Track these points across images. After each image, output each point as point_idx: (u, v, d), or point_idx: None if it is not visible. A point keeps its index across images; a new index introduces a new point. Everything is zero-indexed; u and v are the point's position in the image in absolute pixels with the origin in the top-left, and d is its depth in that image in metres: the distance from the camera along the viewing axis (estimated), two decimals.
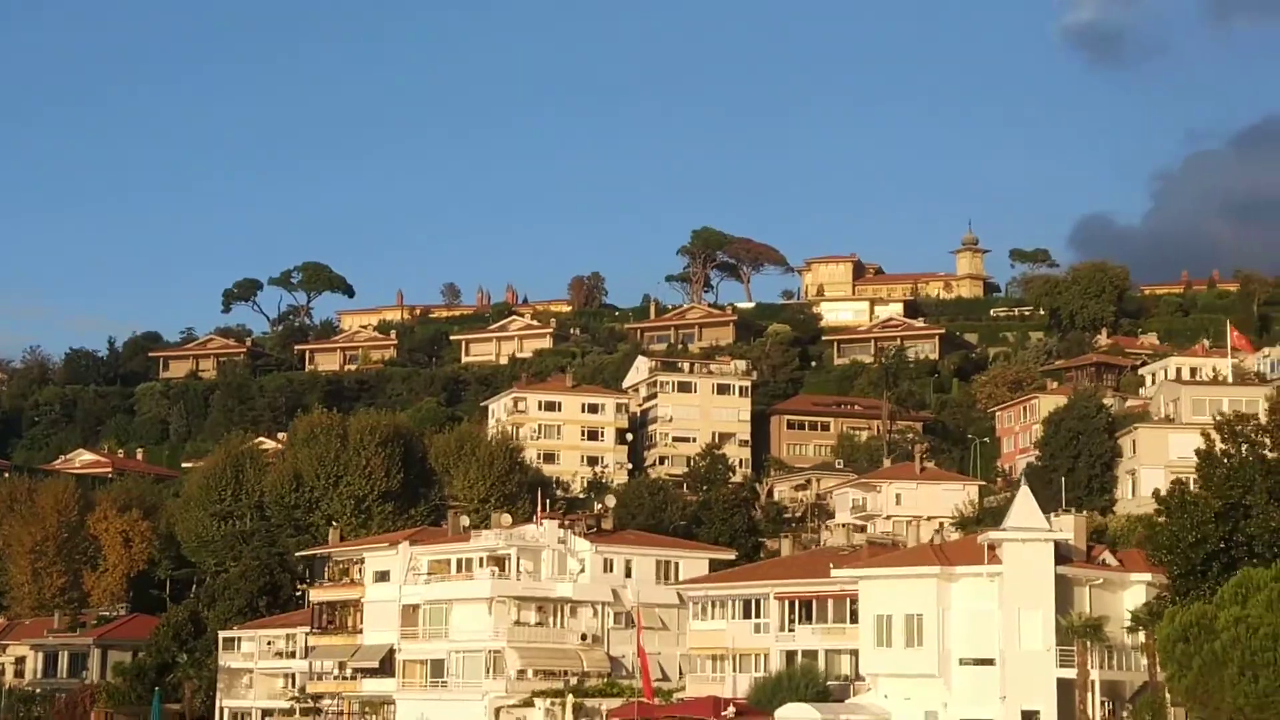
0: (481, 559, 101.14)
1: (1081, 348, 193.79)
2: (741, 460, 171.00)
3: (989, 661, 79.27)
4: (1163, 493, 79.78)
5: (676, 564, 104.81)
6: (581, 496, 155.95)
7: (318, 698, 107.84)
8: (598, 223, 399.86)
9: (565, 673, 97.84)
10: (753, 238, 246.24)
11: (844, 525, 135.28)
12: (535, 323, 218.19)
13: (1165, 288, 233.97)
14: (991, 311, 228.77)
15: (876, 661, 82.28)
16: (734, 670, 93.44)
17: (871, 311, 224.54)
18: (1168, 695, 71.63)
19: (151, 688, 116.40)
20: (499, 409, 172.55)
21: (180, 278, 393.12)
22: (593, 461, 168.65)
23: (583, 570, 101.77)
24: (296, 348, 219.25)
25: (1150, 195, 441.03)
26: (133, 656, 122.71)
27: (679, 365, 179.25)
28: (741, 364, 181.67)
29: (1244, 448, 79.91)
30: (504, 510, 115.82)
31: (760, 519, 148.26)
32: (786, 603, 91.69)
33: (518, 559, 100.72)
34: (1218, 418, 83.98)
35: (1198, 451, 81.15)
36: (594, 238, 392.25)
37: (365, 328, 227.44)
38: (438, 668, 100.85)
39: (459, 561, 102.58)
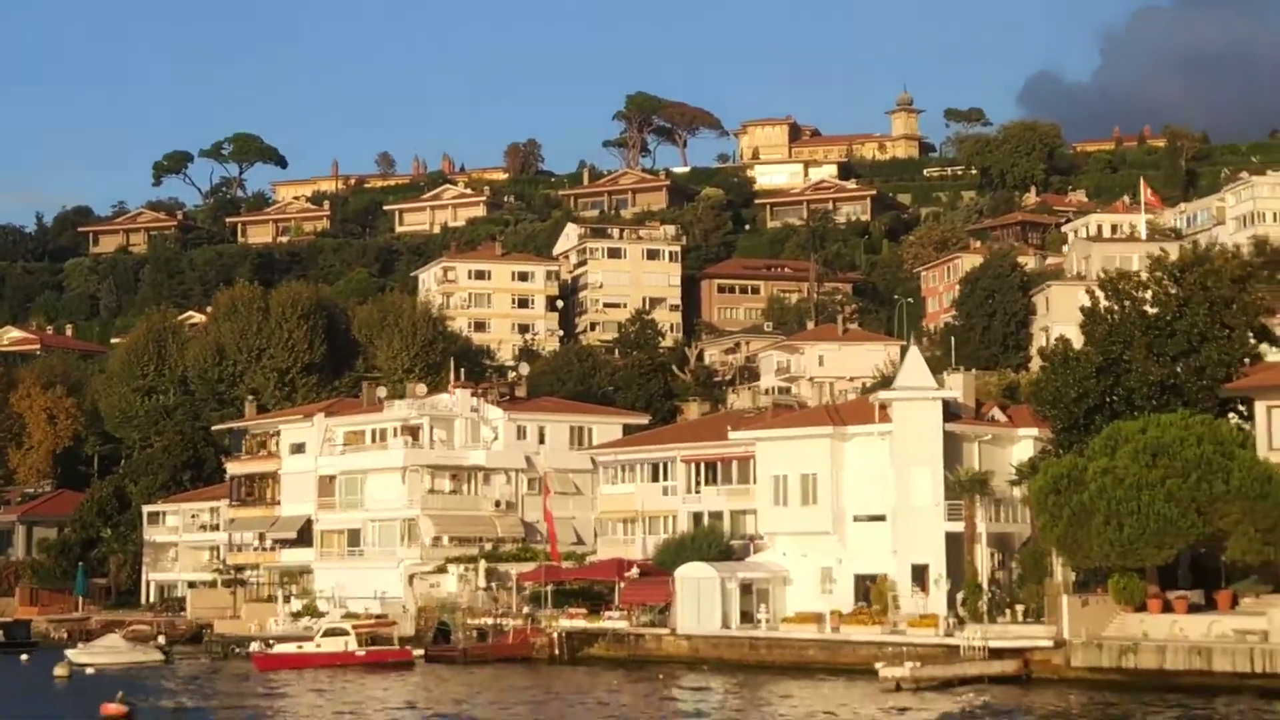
0: (395, 429, 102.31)
1: (1010, 207, 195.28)
2: (672, 325, 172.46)
3: (881, 518, 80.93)
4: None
5: (590, 430, 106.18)
6: (511, 364, 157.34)
7: (240, 569, 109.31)
8: (534, 89, 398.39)
9: (480, 539, 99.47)
10: (688, 102, 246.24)
11: (768, 390, 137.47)
12: (469, 191, 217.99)
13: (1097, 145, 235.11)
14: (925, 172, 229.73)
15: (774, 520, 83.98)
16: (644, 533, 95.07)
17: (806, 174, 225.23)
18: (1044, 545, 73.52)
19: (76, 563, 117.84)
20: (429, 279, 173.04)
21: (112, 153, 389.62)
22: (524, 329, 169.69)
23: (496, 438, 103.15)
24: (228, 220, 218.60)
25: (1099, 52, 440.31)
26: (58, 533, 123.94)
27: (608, 231, 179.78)
28: (671, 229, 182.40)
29: (1125, 304, 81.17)
30: (426, 380, 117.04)
31: (689, 382, 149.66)
32: (693, 465, 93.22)
33: (431, 428, 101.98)
34: (1107, 274, 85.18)
35: (1082, 309, 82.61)
36: (531, 105, 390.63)
37: (298, 199, 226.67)
38: (354, 537, 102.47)
39: (373, 432, 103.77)
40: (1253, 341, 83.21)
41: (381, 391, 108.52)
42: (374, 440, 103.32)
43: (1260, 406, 74.75)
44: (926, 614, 76.58)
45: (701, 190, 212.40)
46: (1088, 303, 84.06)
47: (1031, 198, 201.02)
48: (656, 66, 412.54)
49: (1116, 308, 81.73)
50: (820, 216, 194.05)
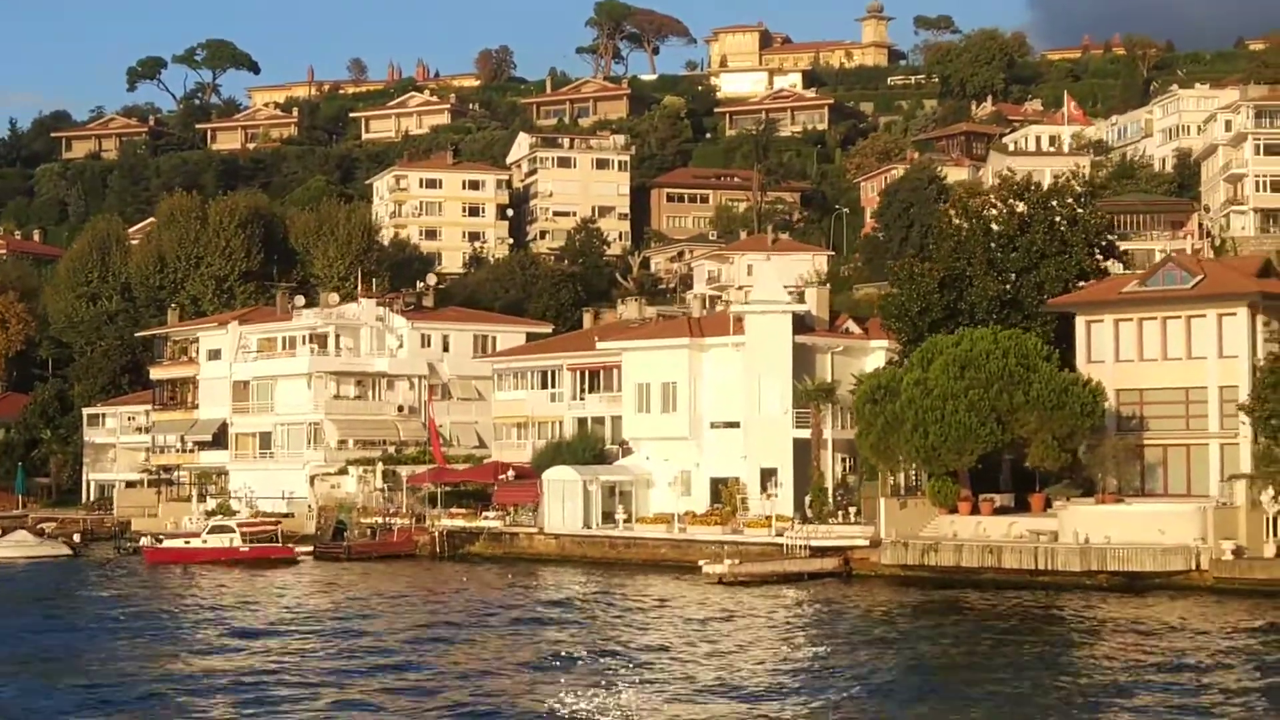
0: (304, 337, 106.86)
1: (961, 116, 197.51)
2: (621, 233, 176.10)
3: (735, 424, 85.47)
4: None
5: (494, 338, 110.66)
6: (461, 272, 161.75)
7: (166, 470, 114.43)
8: None
9: (383, 442, 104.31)
10: (657, 9, 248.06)
11: (699, 297, 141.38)
12: (434, 99, 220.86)
13: (1061, 53, 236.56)
14: (889, 80, 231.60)
15: (638, 426, 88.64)
16: (534, 437, 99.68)
17: (770, 82, 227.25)
18: None
19: (17, 463, 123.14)
20: (381, 187, 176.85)
21: (90, 58, 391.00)
22: (474, 237, 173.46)
23: (401, 346, 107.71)
24: (198, 127, 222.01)
25: None
26: (4, 433, 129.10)
27: (559, 141, 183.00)
28: (621, 138, 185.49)
29: (973, 220, 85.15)
30: (364, 286, 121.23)
31: (632, 289, 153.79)
32: (577, 374, 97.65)
33: (337, 336, 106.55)
34: (962, 191, 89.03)
35: (932, 226, 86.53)
36: (506, 10, 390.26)
37: (268, 105, 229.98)
38: (265, 440, 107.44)
39: (284, 340, 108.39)
40: (1099, 258, 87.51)
41: (300, 300, 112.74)
42: (285, 348, 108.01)
43: (1080, 321, 79.01)
44: (776, 515, 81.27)
45: (663, 99, 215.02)
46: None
47: (987, 107, 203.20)
48: None
49: (965, 225, 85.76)
50: (765, 126, 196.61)
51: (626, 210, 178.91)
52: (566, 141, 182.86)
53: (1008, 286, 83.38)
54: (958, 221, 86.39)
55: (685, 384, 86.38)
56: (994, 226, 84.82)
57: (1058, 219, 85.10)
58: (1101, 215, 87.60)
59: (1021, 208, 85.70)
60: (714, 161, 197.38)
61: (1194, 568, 66.98)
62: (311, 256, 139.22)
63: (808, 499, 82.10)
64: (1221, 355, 74.53)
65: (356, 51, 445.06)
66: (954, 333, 78.67)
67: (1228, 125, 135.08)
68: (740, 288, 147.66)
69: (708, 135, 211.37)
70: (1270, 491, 68.47)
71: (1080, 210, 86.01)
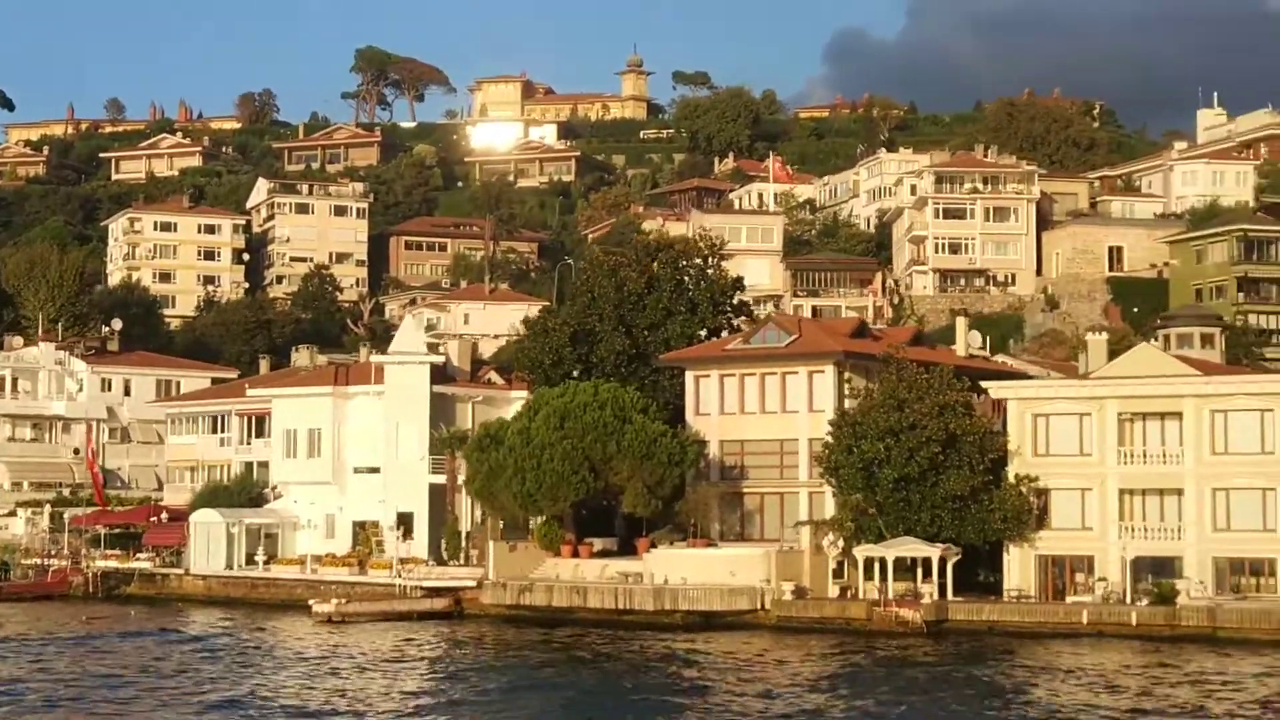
0: None
1: (698, 171, 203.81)
2: (359, 279, 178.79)
3: (376, 470, 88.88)
4: None
5: (178, 382, 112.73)
6: (193, 315, 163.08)
7: None
8: (272, 38, 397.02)
9: (59, 484, 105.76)
10: (420, 57, 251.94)
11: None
12: (186, 140, 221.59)
13: (811, 112, 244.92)
14: (642, 134, 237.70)
15: (286, 470, 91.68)
16: (205, 480, 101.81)
17: (526, 133, 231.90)
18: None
19: None
20: (116, 229, 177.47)
21: None
22: (209, 281, 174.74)
23: (80, 389, 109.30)
24: None
25: (905, 11, 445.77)
26: None
27: (297, 187, 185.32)
28: (360, 186, 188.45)
29: (605, 279, 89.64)
30: (77, 329, 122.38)
31: (363, 335, 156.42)
32: (246, 419, 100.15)
33: (14, 379, 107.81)
34: (601, 252, 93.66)
35: (571, 283, 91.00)
36: (272, 53, 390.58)
37: (19, 143, 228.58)
38: None
39: None
40: (729, 315, 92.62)
41: (18, 341, 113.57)
42: None
43: (689, 376, 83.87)
44: (412, 557, 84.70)
45: (415, 147, 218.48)
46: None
47: (730, 163, 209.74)
48: (395, 20, 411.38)
49: (598, 281, 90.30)
50: (498, 177, 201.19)
51: (364, 257, 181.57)
52: (306, 188, 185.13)
53: (630, 342, 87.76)
54: (591, 279, 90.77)
55: (329, 430, 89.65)
56: (629, 286, 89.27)
57: (686, 279, 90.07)
58: (726, 276, 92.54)
59: (655, 267, 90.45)
60: (459, 210, 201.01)
61: (759, 607, 71.86)
62: (22, 298, 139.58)
63: (443, 542, 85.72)
64: (811, 409, 79.79)
65: (122, 90, 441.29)
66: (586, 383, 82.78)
67: (913, 189, 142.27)
68: (459, 335, 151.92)
69: (459, 184, 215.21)
70: (831, 536, 73.69)
71: (709, 271, 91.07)
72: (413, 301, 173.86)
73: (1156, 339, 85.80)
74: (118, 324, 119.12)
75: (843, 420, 74.98)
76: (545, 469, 75.30)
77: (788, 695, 53.02)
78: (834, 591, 73.85)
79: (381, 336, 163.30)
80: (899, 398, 74.07)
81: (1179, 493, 73.95)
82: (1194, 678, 56.73)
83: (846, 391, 79.18)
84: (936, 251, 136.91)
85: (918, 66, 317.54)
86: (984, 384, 77.63)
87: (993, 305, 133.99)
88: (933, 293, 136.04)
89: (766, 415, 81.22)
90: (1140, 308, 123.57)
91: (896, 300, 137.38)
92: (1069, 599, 72.44)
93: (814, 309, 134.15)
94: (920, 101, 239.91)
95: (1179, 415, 74.19)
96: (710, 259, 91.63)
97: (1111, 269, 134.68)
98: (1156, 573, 72.68)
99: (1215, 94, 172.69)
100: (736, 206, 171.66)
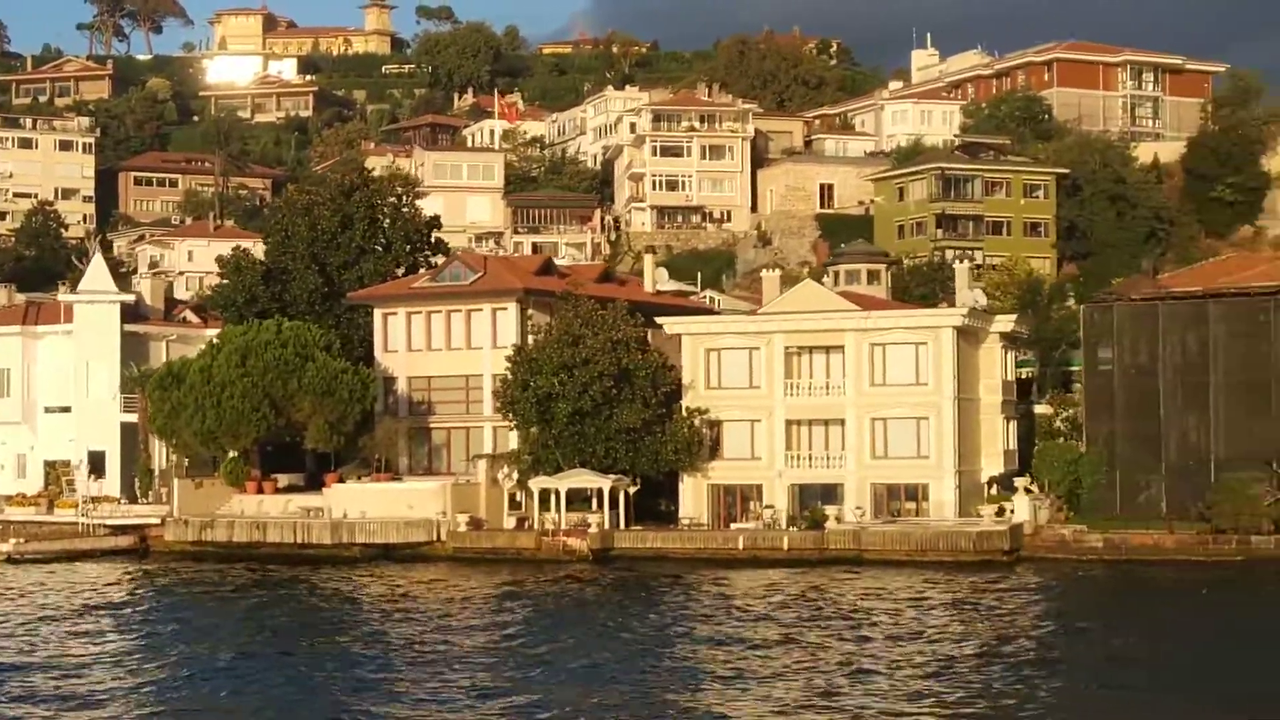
0: None
1: (445, 107, 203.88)
2: (86, 216, 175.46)
3: (67, 409, 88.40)
4: None
5: None
6: None
7: None
8: None
9: None
10: None
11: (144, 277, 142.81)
12: None
13: (554, 48, 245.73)
14: (384, 69, 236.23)
15: None
16: None
17: (265, 67, 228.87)
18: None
19: None
20: None
21: None
22: None
23: None
24: None
25: None
26: None
27: (20, 121, 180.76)
28: (86, 120, 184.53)
29: (301, 217, 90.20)
30: None
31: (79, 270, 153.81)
32: None
33: None
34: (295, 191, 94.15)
35: (278, 218, 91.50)
36: None
37: None
38: None
39: None
40: (428, 254, 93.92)
41: None
42: None
43: (378, 314, 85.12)
44: (105, 495, 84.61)
45: (150, 80, 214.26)
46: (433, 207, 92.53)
47: (469, 99, 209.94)
48: None
49: (291, 218, 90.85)
50: (228, 112, 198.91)
51: (91, 193, 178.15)
52: (30, 122, 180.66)
53: (325, 281, 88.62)
54: (286, 217, 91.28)
55: (19, 370, 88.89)
56: (323, 222, 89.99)
57: (381, 217, 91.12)
58: (420, 214, 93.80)
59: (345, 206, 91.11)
60: (193, 146, 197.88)
61: (436, 539, 73.82)
62: None
63: (135, 481, 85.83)
64: (495, 346, 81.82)
65: None
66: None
67: (632, 127, 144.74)
68: (181, 273, 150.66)
69: (195, 119, 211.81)
70: (506, 469, 75.91)
71: (404, 209, 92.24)
72: (141, 238, 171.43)
73: (828, 275, 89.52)
74: None
75: (519, 356, 77.03)
76: (226, 406, 76.04)
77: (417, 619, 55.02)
78: (510, 523, 76.11)
79: (111, 273, 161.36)
80: (574, 333, 76.34)
81: (841, 423, 77.67)
82: (797, 597, 59.94)
83: (530, 328, 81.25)
84: (654, 189, 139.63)
85: (674, 2, 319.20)
86: (658, 319, 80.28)
87: (708, 241, 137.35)
88: (650, 229, 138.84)
89: (452, 352, 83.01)
90: (847, 243, 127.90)
91: (614, 237, 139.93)
92: (733, 526, 75.68)
93: (534, 245, 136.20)
94: (671, 39, 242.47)
95: (841, 349, 77.82)
96: (404, 197, 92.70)
97: (823, 206, 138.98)
98: (825, 500, 76.32)
99: (928, 35, 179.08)
100: (470, 144, 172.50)
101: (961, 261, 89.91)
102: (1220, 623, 53.83)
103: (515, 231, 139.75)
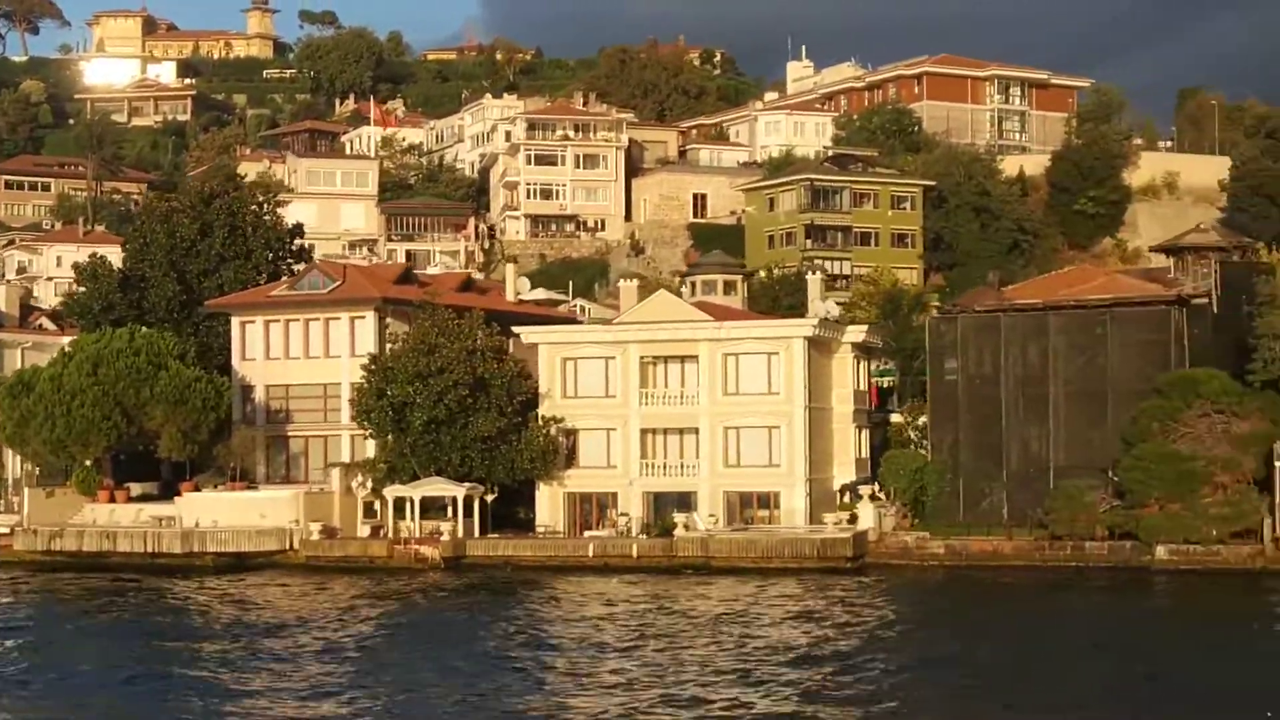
0: None
1: (326, 113, 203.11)
2: None
3: None
4: None
5: None
6: None
7: None
8: None
9: None
10: None
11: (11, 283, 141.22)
12: None
13: (439, 54, 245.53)
14: (265, 74, 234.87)
15: None
16: None
17: (144, 70, 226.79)
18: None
19: None
20: None
21: None
22: None
23: None
24: None
25: None
26: None
27: None
28: None
29: (159, 224, 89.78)
30: None
31: None
32: None
33: None
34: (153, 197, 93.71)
35: (137, 225, 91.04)
36: None
37: None
38: None
39: None
40: (289, 261, 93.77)
41: None
42: None
43: (235, 322, 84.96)
44: None
45: (24, 82, 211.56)
46: (299, 213, 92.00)
47: (350, 105, 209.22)
48: None
49: (151, 228, 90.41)
50: (102, 116, 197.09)
51: None
52: None
53: (184, 289, 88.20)
54: (145, 225, 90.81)
55: None
56: (183, 232, 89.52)
57: (242, 224, 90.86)
58: (283, 222, 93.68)
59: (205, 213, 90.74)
60: (67, 149, 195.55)
61: (289, 547, 73.87)
62: None
63: None
64: (353, 354, 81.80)
65: None
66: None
67: (507, 135, 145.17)
68: (50, 278, 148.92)
69: (71, 122, 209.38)
70: (361, 478, 76.12)
71: (265, 217, 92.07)
72: (11, 243, 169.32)
73: (685, 285, 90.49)
74: None
75: (374, 364, 77.22)
76: (76, 415, 75.59)
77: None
78: (365, 531, 76.29)
79: None
80: (430, 342, 76.67)
81: (695, 432, 78.61)
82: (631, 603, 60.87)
83: (388, 337, 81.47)
84: (529, 197, 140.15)
85: (560, 10, 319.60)
86: (515, 329, 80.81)
87: (582, 250, 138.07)
88: (524, 237, 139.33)
89: (310, 360, 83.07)
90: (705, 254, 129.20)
91: (489, 245, 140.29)
92: (586, 534, 76.34)
93: (408, 253, 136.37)
94: (559, 46, 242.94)
95: (695, 359, 78.79)
96: (265, 205, 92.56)
97: (696, 215, 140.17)
98: (680, 507, 77.12)
99: (803, 47, 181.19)
100: (348, 150, 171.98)
101: (814, 273, 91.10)
102: (1039, 625, 55.43)
103: (389, 239, 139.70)
